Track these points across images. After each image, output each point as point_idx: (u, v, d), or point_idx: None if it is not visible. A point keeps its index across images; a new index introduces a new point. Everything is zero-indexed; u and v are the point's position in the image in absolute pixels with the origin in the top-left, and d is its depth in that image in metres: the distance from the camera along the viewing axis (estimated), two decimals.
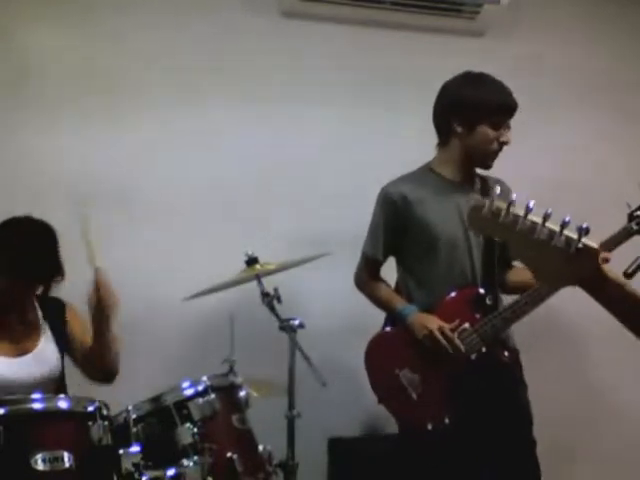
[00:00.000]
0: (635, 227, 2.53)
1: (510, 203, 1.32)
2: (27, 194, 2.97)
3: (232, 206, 3.28)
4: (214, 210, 3.27)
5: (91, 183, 3.13)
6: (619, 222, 2.53)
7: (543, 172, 3.53)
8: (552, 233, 1.30)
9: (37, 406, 2.03)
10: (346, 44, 3.46)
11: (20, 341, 2.49)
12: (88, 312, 2.51)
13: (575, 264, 1.31)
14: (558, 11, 3.71)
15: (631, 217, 2.56)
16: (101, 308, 2.48)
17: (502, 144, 2.65)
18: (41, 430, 1.99)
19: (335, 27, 3.46)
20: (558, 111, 3.63)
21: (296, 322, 2.56)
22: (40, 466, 1.93)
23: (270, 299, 2.56)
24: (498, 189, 1.37)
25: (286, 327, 2.56)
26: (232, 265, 2.68)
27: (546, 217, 1.31)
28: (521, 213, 1.32)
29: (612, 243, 2.51)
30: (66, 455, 1.97)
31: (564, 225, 1.30)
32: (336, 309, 3.16)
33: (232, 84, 3.35)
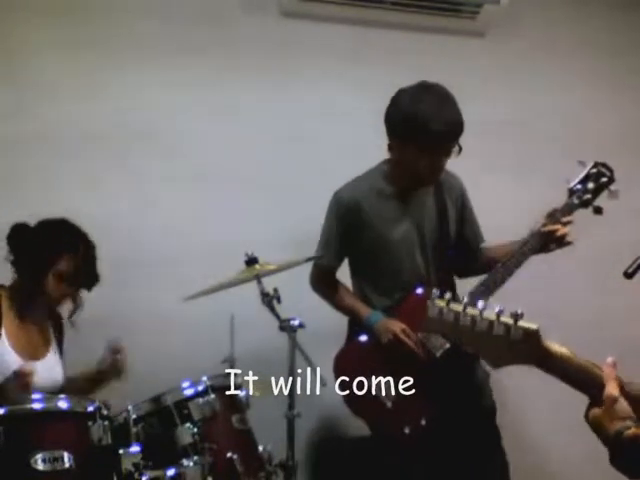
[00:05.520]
0: (576, 201, 2.55)
1: (449, 300, 1.42)
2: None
3: (232, 206, 3.29)
4: (214, 210, 3.27)
5: (95, 190, 3.14)
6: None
7: (542, 171, 3.54)
8: (491, 323, 1.39)
9: (37, 406, 2.04)
10: (346, 44, 3.46)
11: (34, 346, 2.52)
12: (96, 370, 2.63)
13: (519, 346, 1.39)
14: (557, 12, 3.70)
15: (571, 192, 2.57)
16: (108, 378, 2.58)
17: (437, 170, 2.59)
18: (41, 430, 2.00)
19: (335, 27, 3.46)
20: (557, 111, 3.63)
21: (296, 322, 2.56)
22: (40, 466, 1.93)
23: (270, 299, 2.56)
24: (436, 291, 1.45)
25: (286, 327, 2.55)
26: (232, 265, 2.68)
27: (482, 309, 1.40)
28: (459, 309, 1.41)
29: (557, 218, 2.54)
30: (66, 455, 1.97)
31: (499, 314, 1.39)
32: None
33: (232, 84, 3.35)
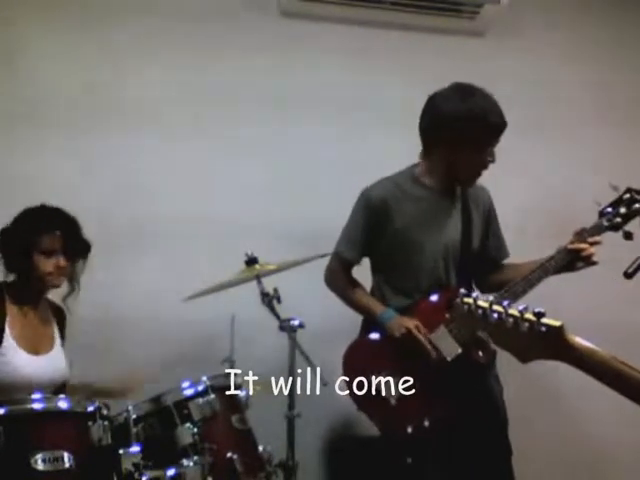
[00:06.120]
0: (606, 224, 2.58)
1: (475, 298, 1.50)
2: None
3: (232, 206, 3.29)
4: (214, 210, 3.27)
5: (94, 186, 3.14)
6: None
7: (543, 172, 3.54)
8: (516, 319, 1.47)
9: (37, 406, 2.03)
10: (346, 44, 3.46)
11: (38, 340, 2.52)
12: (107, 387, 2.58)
13: (544, 342, 1.46)
14: (557, 11, 3.71)
15: (601, 214, 2.60)
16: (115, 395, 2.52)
17: (487, 164, 2.64)
18: (41, 430, 1.99)
19: (335, 27, 3.46)
20: (558, 111, 3.63)
21: (296, 322, 2.56)
22: (40, 466, 1.93)
23: (270, 299, 2.56)
24: (463, 290, 1.55)
25: (286, 327, 2.55)
26: (232, 265, 2.68)
27: (506, 306, 1.47)
28: (487, 305, 1.49)
29: (584, 237, 2.58)
30: (66, 455, 1.97)
31: (523, 312, 1.46)
32: (336, 309, 3.15)
33: (232, 83, 3.36)
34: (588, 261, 2.57)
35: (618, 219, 2.58)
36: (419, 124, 2.68)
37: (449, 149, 2.61)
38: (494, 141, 2.61)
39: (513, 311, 1.47)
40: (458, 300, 1.54)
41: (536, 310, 1.45)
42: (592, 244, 2.57)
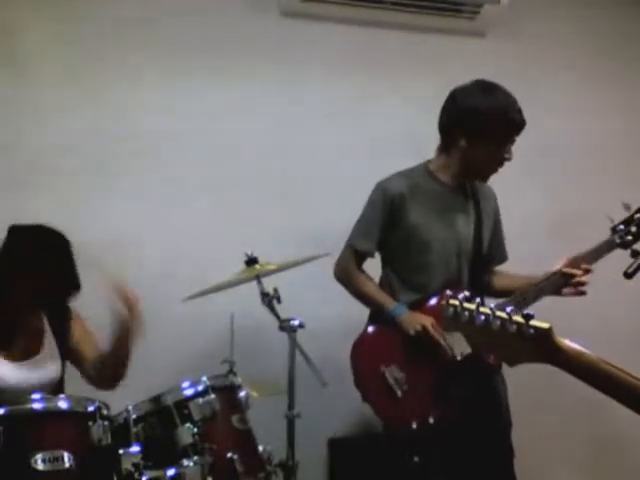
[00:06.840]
0: (618, 240, 2.59)
1: (462, 300, 1.47)
2: None
3: (232, 206, 3.29)
4: (214, 210, 3.28)
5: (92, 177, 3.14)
6: None
7: (542, 173, 3.55)
8: (503, 321, 1.43)
9: (37, 406, 2.03)
10: (346, 44, 3.47)
11: (25, 346, 2.48)
12: (112, 326, 2.44)
13: (532, 345, 1.43)
14: (558, 11, 3.71)
15: (614, 231, 2.61)
16: (128, 326, 2.42)
17: (504, 160, 2.65)
18: (41, 430, 1.99)
19: (335, 27, 3.47)
20: (557, 111, 3.63)
21: (296, 322, 2.56)
22: (40, 466, 1.93)
23: (270, 299, 2.56)
24: (449, 292, 1.52)
25: (286, 327, 2.56)
26: (232, 265, 2.68)
27: (493, 308, 1.44)
28: (473, 307, 1.46)
29: (594, 255, 2.59)
30: (66, 455, 1.97)
31: (510, 314, 1.42)
32: (336, 309, 3.16)
33: (232, 83, 3.36)
34: (576, 289, 2.58)
35: (629, 237, 2.59)
36: (439, 119, 2.68)
37: (468, 144, 2.61)
38: (513, 138, 2.63)
39: (501, 313, 1.44)
40: (444, 302, 1.51)
41: (524, 312, 1.43)
42: (585, 272, 2.57)
